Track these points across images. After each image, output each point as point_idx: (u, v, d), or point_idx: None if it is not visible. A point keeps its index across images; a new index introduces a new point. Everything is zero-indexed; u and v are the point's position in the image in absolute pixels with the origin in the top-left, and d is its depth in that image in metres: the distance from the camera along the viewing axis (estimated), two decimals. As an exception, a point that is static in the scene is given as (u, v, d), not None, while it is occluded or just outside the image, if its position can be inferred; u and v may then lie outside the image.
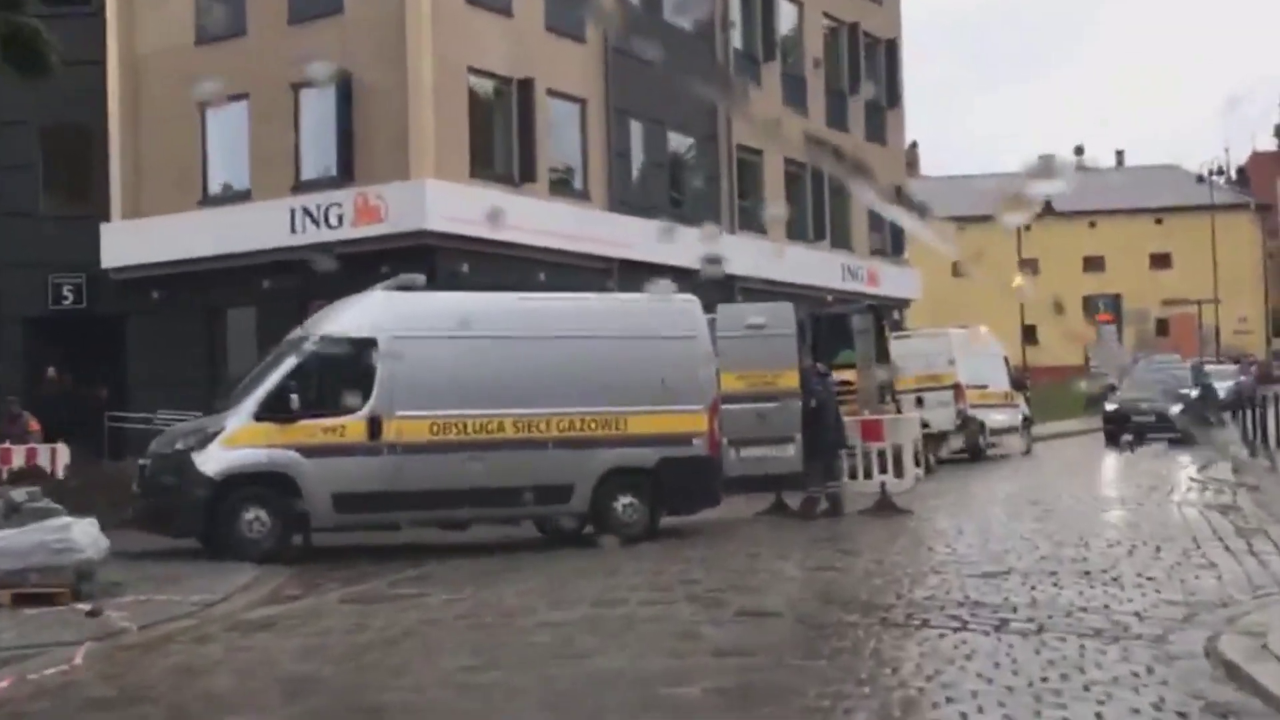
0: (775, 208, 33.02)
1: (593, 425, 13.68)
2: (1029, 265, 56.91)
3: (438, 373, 13.20)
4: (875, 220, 36.38)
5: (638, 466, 13.91)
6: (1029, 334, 50.43)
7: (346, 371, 13.16)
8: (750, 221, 31.67)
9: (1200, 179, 62.15)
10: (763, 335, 15.69)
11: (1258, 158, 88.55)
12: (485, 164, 24.57)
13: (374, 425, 12.91)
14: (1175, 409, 25.37)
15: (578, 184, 26.58)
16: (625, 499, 13.83)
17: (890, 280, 35.75)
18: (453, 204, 22.96)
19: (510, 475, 13.24)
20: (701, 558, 11.76)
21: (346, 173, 23.77)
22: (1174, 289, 64.46)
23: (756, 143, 31.51)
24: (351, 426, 12.87)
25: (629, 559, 11.80)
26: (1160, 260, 68.88)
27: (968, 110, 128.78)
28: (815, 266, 31.89)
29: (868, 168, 36.04)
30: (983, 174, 72.30)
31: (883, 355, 22.38)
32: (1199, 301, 61.44)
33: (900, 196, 32.67)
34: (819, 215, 33.76)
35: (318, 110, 24.34)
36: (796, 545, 12.50)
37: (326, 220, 23.62)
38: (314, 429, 12.75)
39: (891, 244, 37.35)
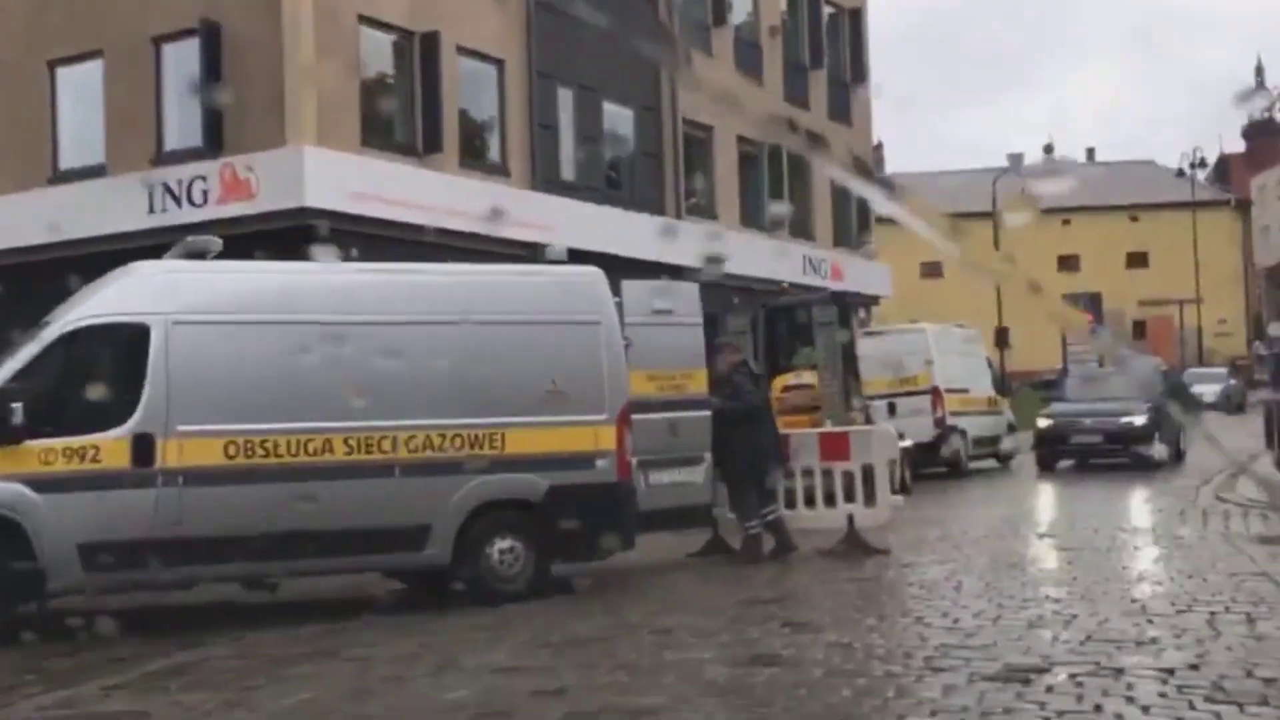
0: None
1: (457, 443, 10.03)
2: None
3: (237, 372, 9.53)
4: (840, 208, 32.93)
5: (519, 498, 10.28)
6: (1001, 337, 47.08)
7: (104, 371, 9.47)
8: (699, 206, 28.12)
9: (1180, 172, 59.08)
10: (670, 323, 11.96)
11: (1225, 160, 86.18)
12: (380, 131, 20.89)
13: (142, 446, 9.21)
14: (1138, 419, 21.29)
15: (494, 157, 22.92)
16: (502, 543, 10.16)
17: (856, 274, 32.25)
18: (339, 177, 19.29)
19: (339, 514, 9.59)
20: (587, 638, 8.09)
21: (214, 141, 20.04)
22: (1151, 289, 61.50)
23: (706, 117, 27.95)
24: (109, 448, 9.16)
25: (474, 646, 8.13)
26: (1137, 259, 65.99)
27: (932, 111, 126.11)
28: (772, 258, 28.25)
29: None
30: (951, 171, 69.46)
31: (849, 354, 18.83)
32: (1180, 301, 58.50)
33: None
34: (777, 200, 30.21)
35: (182, 68, 20.62)
36: (727, 612, 8.88)
37: (190, 197, 19.88)
38: (51, 452, 9.03)
39: (858, 235, 33.87)
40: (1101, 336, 19.47)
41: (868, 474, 11.87)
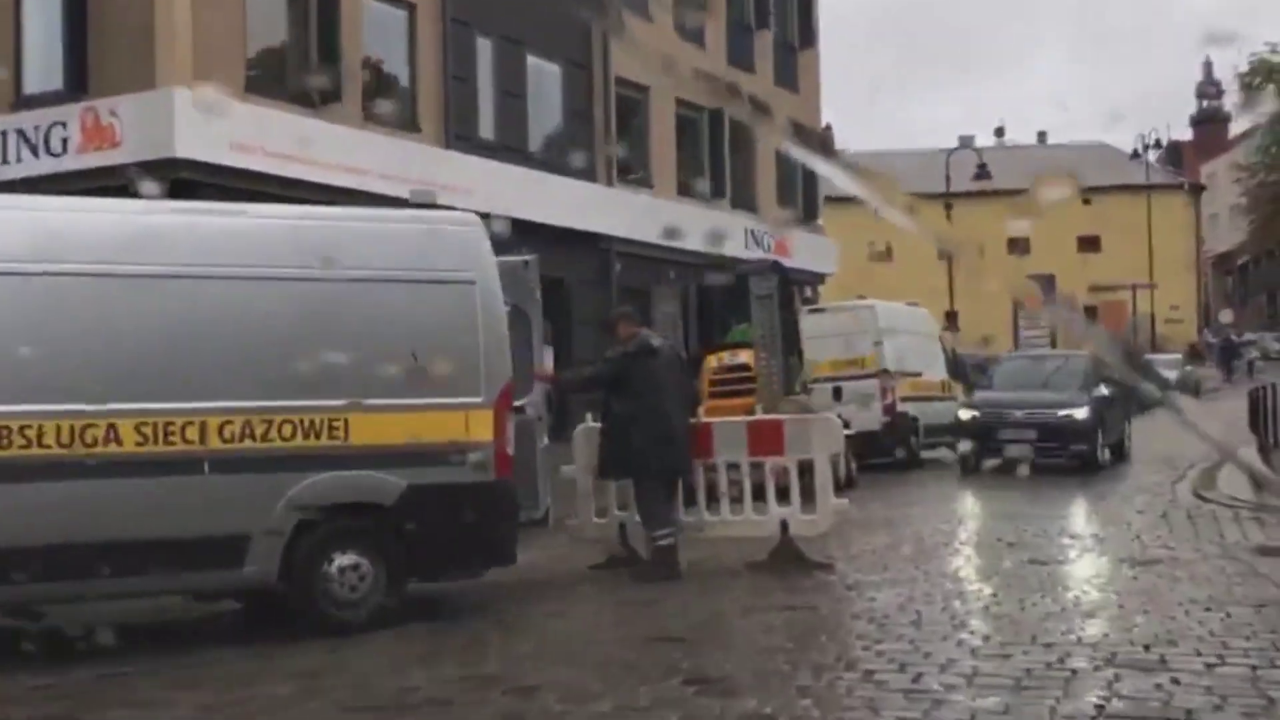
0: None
1: (286, 432, 7.89)
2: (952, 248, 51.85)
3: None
4: (786, 179, 30.94)
5: (367, 502, 8.16)
6: (950, 320, 45.42)
7: None
8: (633, 172, 26.02)
9: (1135, 154, 57.62)
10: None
11: (1177, 146, 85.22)
12: (269, 76, 18.62)
13: None
14: (1079, 412, 17.99)
15: (403, 111, 20.67)
16: (343, 559, 8.03)
17: (803, 251, 30.31)
18: (218, 125, 16.98)
19: (130, 522, 7.44)
20: (420, 700, 5.98)
21: (76, 83, 17.71)
22: (1103, 273, 60.06)
23: (641, 77, 25.81)
24: None
25: (271, 708, 6.01)
26: (1089, 243, 64.53)
27: (884, 91, 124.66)
28: (710, 230, 26.21)
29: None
30: (902, 151, 67.73)
31: (790, 331, 16.80)
32: (1133, 286, 57.10)
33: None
34: (718, 169, 28.17)
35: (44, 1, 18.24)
36: (616, 660, 6.79)
37: (48, 146, 17.56)
38: None
39: (804, 208, 31.89)
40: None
41: (806, 472, 9.78)
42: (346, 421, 8.04)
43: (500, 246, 9.03)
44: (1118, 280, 58.54)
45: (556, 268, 23.01)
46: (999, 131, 75.80)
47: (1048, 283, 43.86)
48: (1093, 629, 7.02)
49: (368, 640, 7.61)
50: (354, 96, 19.43)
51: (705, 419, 10.77)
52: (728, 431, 10.26)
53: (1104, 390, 18.86)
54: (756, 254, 27.12)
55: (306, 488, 7.91)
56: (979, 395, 19.58)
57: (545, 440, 10.13)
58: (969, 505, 14.54)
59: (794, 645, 6.97)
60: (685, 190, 27.02)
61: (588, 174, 24.36)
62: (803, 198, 31.87)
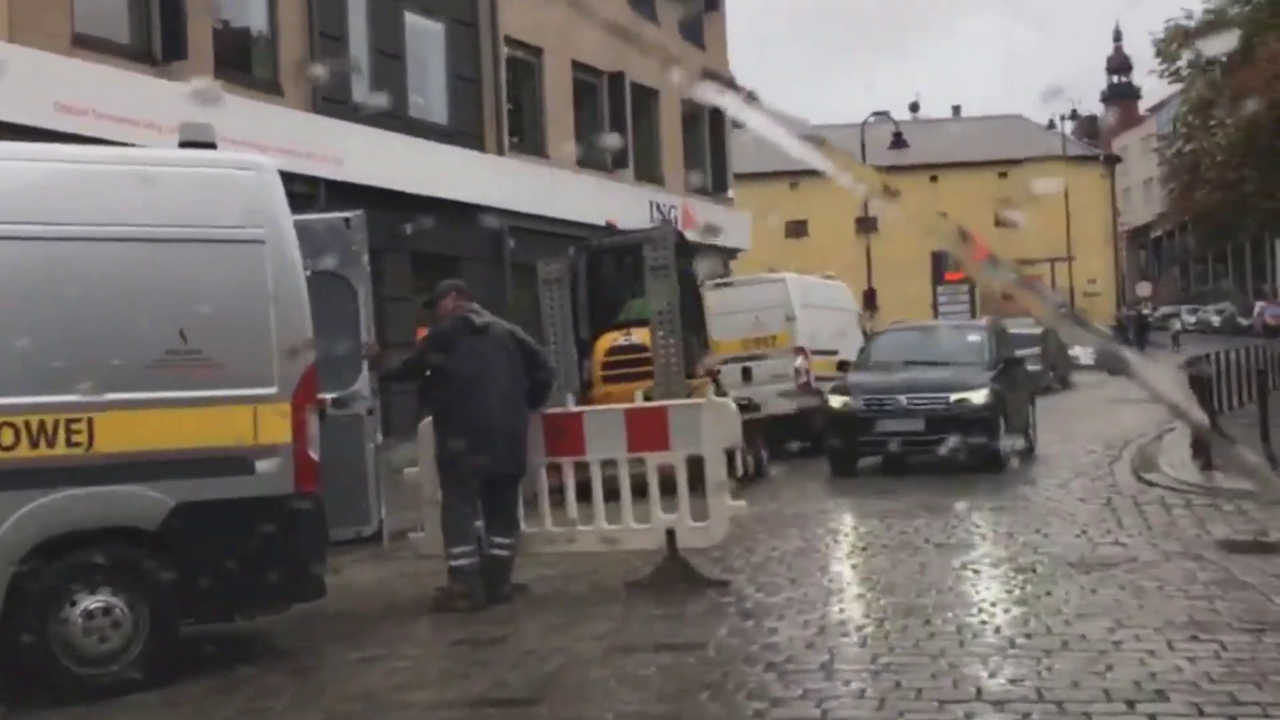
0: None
1: (4, 439, 6.03)
2: (869, 223, 50.89)
3: None
4: (693, 149, 29.27)
5: (121, 526, 6.33)
6: (869, 299, 44.17)
7: None
8: (526, 141, 24.16)
9: (1051, 124, 56.89)
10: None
11: (1092, 119, 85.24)
12: (101, 28, 16.50)
13: None
14: (977, 396, 14.56)
15: (262, 72, 18.63)
16: (90, 600, 6.21)
17: (712, 223, 28.60)
18: (39, 83, 14.89)
19: None
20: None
21: (-127, 37, 15.46)
22: (1021, 247, 59.25)
23: (533, 38, 23.96)
24: None
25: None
26: (1006, 217, 63.71)
27: (793, 68, 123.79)
28: (613, 203, 24.44)
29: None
30: (818, 125, 66.48)
31: (692, 306, 15.10)
32: (1051, 260, 56.31)
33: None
34: (619, 138, 26.34)
35: None
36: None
37: None
38: None
39: (713, 180, 30.24)
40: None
41: (696, 470, 8.05)
42: (90, 423, 6.20)
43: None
44: (1036, 254, 57.80)
45: (443, 244, 21.20)
46: (914, 107, 75.00)
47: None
48: (1055, 678, 5.38)
49: (122, 707, 5.80)
50: (203, 53, 17.35)
51: (576, 408, 9.05)
52: (602, 422, 8.49)
53: (1009, 367, 15.99)
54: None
55: (35, 511, 6.08)
56: (853, 377, 15.90)
57: (379, 438, 8.36)
58: (883, 497, 12.87)
59: (666, 709, 5.26)
60: (584, 159, 25.21)
61: (476, 142, 22.47)
62: (711, 170, 30.21)
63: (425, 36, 21.86)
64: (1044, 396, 30.39)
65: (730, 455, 8.31)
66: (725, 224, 29.72)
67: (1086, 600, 7.07)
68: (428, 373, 8.15)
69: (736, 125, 62.75)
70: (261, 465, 6.51)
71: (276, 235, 6.71)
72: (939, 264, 42.48)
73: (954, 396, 14.54)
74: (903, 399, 14.68)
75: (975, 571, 8.19)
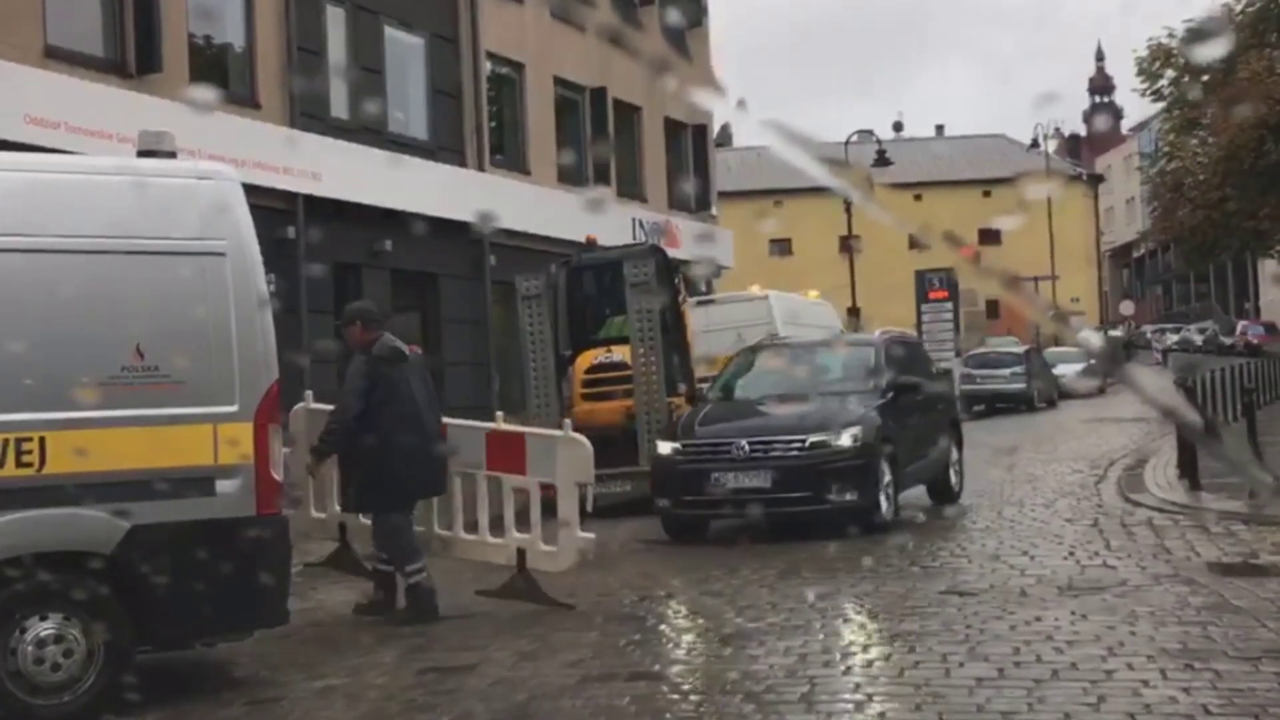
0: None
1: (-49, 457, 5.77)
2: (853, 241, 50.84)
3: None
4: (676, 167, 29.10)
5: (74, 550, 6.07)
6: (854, 317, 44.05)
7: None
8: (508, 157, 23.96)
9: (1034, 143, 56.91)
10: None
11: (1075, 138, 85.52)
12: (74, 40, 16.26)
13: None
14: (843, 438, 11.03)
15: (239, 86, 18.40)
16: (41, 627, 5.95)
17: (696, 241, 28.45)
18: (10, 96, 14.67)
19: None
20: None
21: None
22: (1005, 265, 59.27)
23: (514, 53, 23.79)
24: None
25: None
26: (990, 235, 63.80)
27: (776, 85, 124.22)
28: (595, 219, 24.23)
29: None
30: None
31: (672, 324, 14.89)
32: (1034, 279, 56.30)
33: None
34: (602, 154, 26.17)
35: None
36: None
37: None
38: None
39: (697, 198, 30.07)
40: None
41: (550, 497, 8.26)
42: (42, 442, 5.94)
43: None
44: (1019, 273, 57.80)
45: (423, 261, 20.99)
46: (897, 126, 75.19)
47: (947, 277, 42.50)
48: (1046, 710, 5.16)
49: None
50: (178, 66, 17.12)
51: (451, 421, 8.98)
52: (465, 437, 8.57)
53: (903, 395, 12.12)
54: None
55: (-17, 534, 5.80)
56: (692, 415, 12.33)
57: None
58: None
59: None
60: (566, 177, 25.02)
61: (457, 158, 22.27)
62: (695, 187, 30.04)
63: (405, 51, 21.68)
64: (1029, 415, 30.48)
65: (583, 489, 8.31)
66: (708, 242, 29.58)
67: (1077, 626, 6.86)
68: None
69: (720, 144, 62.66)
70: (222, 486, 6.27)
71: (238, 247, 6.48)
72: (923, 283, 42.35)
73: (811, 439, 10.97)
74: (744, 444, 11.05)
75: (961, 596, 7.97)
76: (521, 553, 8.19)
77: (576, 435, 8.44)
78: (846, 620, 7.38)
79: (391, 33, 21.14)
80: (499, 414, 9.08)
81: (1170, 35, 42.86)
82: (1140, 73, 44.71)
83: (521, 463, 8.27)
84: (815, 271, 46.56)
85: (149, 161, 6.54)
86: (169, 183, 6.49)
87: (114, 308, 6.15)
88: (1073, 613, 7.23)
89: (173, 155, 6.64)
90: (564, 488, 8.10)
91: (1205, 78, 42.26)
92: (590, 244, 16.09)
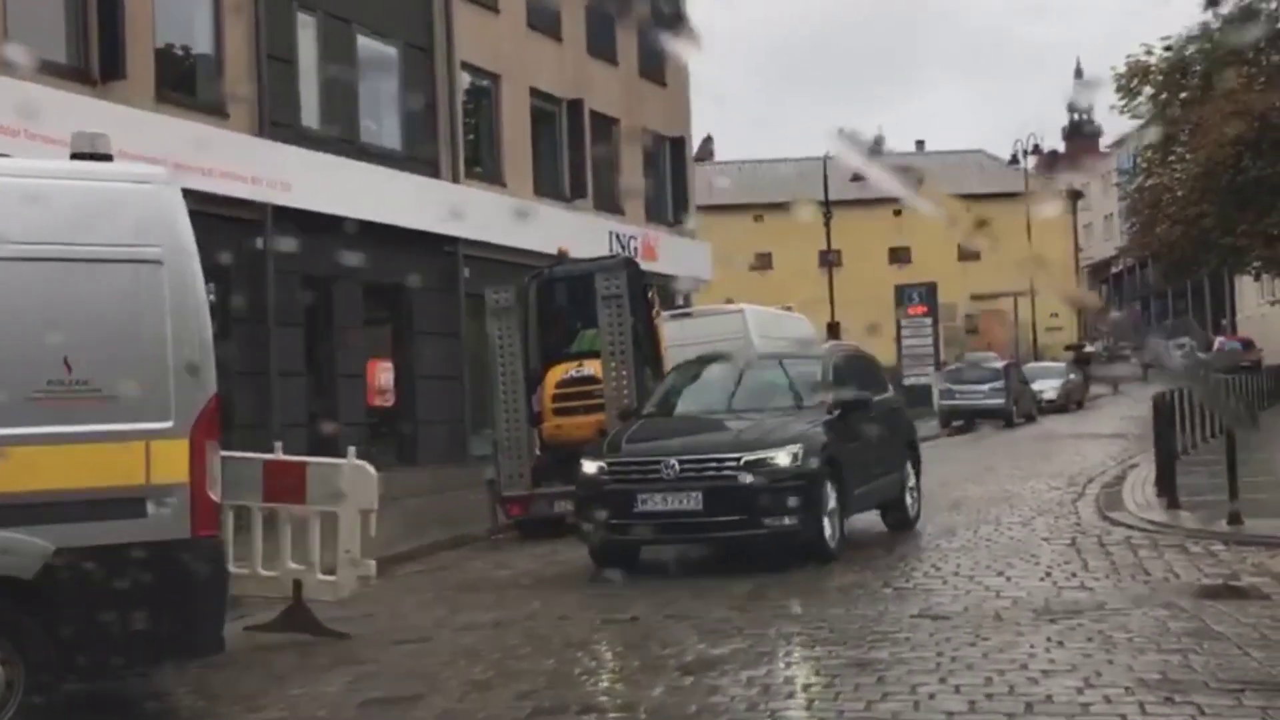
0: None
1: None
2: (833, 256, 50.74)
3: None
4: (653, 180, 28.87)
5: (-6, 575, 5.74)
6: (833, 332, 43.93)
7: None
8: (483, 169, 23.68)
9: (1014, 159, 56.87)
10: None
11: (1054, 155, 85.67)
12: (36, 46, 15.89)
13: None
14: (782, 457, 10.18)
15: (207, 93, 18.08)
16: (-43, 658, 5.61)
17: (673, 255, 28.21)
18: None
19: None
20: None
21: None
22: (984, 281, 59.27)
23: (489, 64, 23.52)
24: None
25: None
26: (969, 251, 63.76)
27: (761, 101, 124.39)
28: (572, 233, 23.96)
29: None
30: (782, 159, 66.49)
31: (645, 337, 14.62)
32: (1013, 294, 56.28)
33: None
34: (578, 167, 25.93)
35: None
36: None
37: None
38: None
39: (674, 211, 29.84)
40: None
41: (331, 526, 8.04)
42: (-38, 459, 5.61)
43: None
44: (998, 288, 57.70)
45: (396, 273, 20.67)
46: (877, 140, 75.16)
47: (927, 292, 42.45)
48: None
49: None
50: (143, 72, 16.80)
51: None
52: (241, 469, 8.04)
53: (857, 411, 11.33)
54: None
55: (-104, 557, 5.47)
56: (621, 431, 11.39)
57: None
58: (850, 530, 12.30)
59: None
60: (543, 189, 24.75)
61: (431, 169, 21.97)
62: (672, 200, 29.82)
63: (379, 60, 21.39)
64: (1008, 431, 30.29)
65: (366, 517, 8.06)
66: (686, 255, 29.33)
67: (1052, 654, 6.59)
68: None
69: (701, 159, 62.42)
70: (154, 507, 5.96)
71: (176, 255, 6.17)
72: (902, 297, 42.26)
73: (747, 457, 10.10)
74: (674, 463, 10.13)
75: (934, 620, 7.69)
76: (298, 584, 8.02)
77: (361, 462, 8.17)
78: (814, 647, 7.09)
79: (364, 41, 20.86)
80: (277, 444, 8.67)
81: (1148, 53, 42.95)
82: (1119, 89, 44.79)
83: (301, 492, 8.04)
84: (795, 286, 46.44)
85: (80, 164, 6.22)
86: (102, 186, 6.19)
87: (40, 317, 5.84)
88: (1048, 639, 6.96)
89: (108, 158, 6.33)
90: (347, 515, 7.92)
91: (1183, 95, 42.33)
92: (562, 256, 15.82)
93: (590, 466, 10.67)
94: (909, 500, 12.58)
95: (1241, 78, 38.13)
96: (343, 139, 19.95)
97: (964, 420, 31.55)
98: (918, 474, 12.92)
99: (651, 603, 8.61)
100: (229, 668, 6.70)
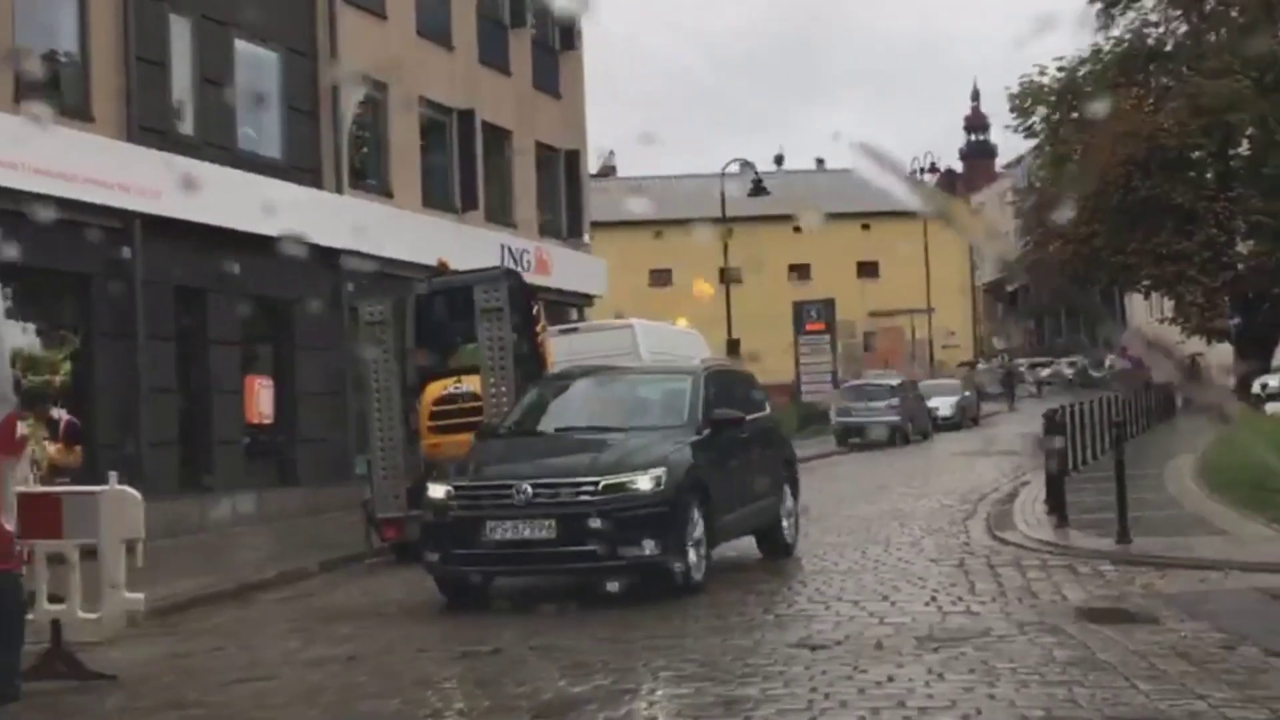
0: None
1: None
2: (732, 274, 50.71)
3: None
4: (547, 193, 28.39)
5: None
6: (733, 348, 43.85)
7: None
8: (369, 179, 23.02)
9: (911, 174, 57.34)
10: None
11: (951, 174, 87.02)
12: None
13: None
14: (643, 481, 9.51)
15: (73, 97, 17.22)
16: None
17: (566, 269, 27.76)
18: None
19: None
20: None
21: None
22: (882, 299, 59.74)
23: (376, 71, 22.88)
24: None
25: None
26: (868, 268, 64.32)
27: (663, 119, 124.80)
28: (461, 245, 23.39)
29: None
30: (683, 175, 66.42)
31: (528, 353, 14.12)
32: (910, 312, 56.73)
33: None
34: (469, 178, 25.35)
35: None
36: None
37: None
38: None
39: (568, 225, 29.38)
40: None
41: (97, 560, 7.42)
42: None
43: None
44: (896, 306, 58.15)
45: (276, 286, 19.91)
46: (778, 159, 75.56)
47: (825, 308, 42.44)
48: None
49: None
50: (2, 75, 15.92)
51: None
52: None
53: (729, 430, 10.66)
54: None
55: None
56: (465, 456, 10.80)
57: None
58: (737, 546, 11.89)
59: None
60: (431, 200, 24.14)
61: (313, 179, 21.26)
62: (567, 214, 29.36)
63: (258, 65, 20.63)
64: (903, 448, 30.26)
65: (131, 546, 7.52)
66: (581, 270, 28.89)
67: (932, 688, 6.20)
68: None
69: (602, 174, 61.72)
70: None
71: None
72: (801, 314, 42.24)
73: (605, 481, 9.34)
74: (527, 487, 9.32)
75: (812, 650, 7.29)
76: (56, 625, 7.39)
77: (124, 488, 7.61)
78: (680, 683, 6.62)
79: (242, 45, 20.09)
80: (112, 474, 7.89)
81: (1042, 73, 43.60)
82: (1013, 109, 45.39)
83: (57, 525, 7.39)
84: (695, 302, 46.23)
85: None
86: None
87: None
88: (929, 670, 6.58)
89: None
90: (109, 546, 7.36)
91: (1075, 115, 43.02)
92: (442, 268, 15.27)
93: (437, 491, 9.77)
94: (786, 525, 11.80)
95: (1132, 99, 38.83)
96: (219, 146, 19.18)
97: (860, 438, 31.46)
98: (796, 497, 12.22)
99: (518, 633, 8.11)
100: (25, 714, 6.06)
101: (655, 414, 10.79)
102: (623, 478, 9.38)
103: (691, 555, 9.50)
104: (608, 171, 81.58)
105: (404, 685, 6.80)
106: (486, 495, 9.54)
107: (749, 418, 11.35)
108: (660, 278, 60.62)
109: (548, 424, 11.08)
